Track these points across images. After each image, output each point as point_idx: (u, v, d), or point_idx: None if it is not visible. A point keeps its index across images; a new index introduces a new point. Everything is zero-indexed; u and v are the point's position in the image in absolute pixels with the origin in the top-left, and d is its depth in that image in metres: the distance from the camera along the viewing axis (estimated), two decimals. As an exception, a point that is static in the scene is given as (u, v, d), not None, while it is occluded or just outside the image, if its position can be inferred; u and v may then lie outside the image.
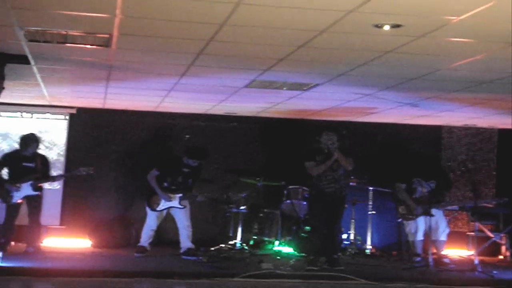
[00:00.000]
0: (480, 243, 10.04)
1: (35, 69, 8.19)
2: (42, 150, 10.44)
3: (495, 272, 9.16)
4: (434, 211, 9.71)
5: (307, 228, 10.34)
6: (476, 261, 9.17)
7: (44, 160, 10.09)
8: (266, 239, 10.96)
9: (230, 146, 12.14)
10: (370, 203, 11.36)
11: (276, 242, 10.73)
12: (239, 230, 10.89)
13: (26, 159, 9.85)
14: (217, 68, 7.82)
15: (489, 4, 4.88)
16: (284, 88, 9.01)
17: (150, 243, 10.07)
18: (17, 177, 9.75)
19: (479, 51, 6.44)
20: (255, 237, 11.00)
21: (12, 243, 10.04)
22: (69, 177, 10.57)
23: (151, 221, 10.04)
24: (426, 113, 10.93)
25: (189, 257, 9.73)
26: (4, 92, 8.02)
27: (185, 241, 9.90)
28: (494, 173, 12.70)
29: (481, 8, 4.97)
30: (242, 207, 11.02)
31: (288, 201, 11.02)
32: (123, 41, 6.58)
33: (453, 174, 12.28)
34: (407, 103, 9.91)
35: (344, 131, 10.82)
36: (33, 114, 11.66)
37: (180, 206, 9.91)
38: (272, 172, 11.32)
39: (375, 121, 12.16)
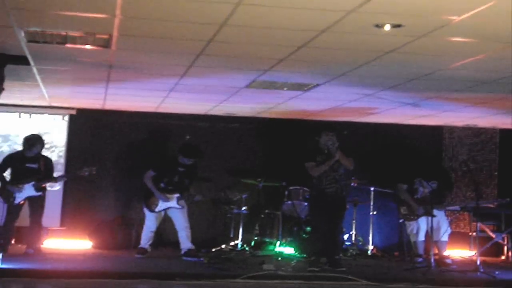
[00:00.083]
0: (482, 243, 10.01)
1: (35, 70, 8.17)
2: (42, 151, 10.40)
3: (497, 272, 9.14)
4: (435, 211, 9.69)
5: (308, 229, 10.32)
6: (478, 262, 9.15)
7: (47, 161, 10.08)
8: (267, 240, 10.94)
9: (230, 146, 12.12)
10: (372, 203, 11.35)
11: (277, 243, 10.70)
12: (240, 231, 10.88)
13: (29, 160, 9.84)
14: (217, 68, 7.80)
15: (490, 4, 4.86)
16: (285, 89, 8.99)
17: (151, 245, 10.06)
18: (20, 178, 9.74)
19: (480, 51, 6.42)
20: (256, 238, 10.98)
21: (12, 241, 10.00)
22: (72, 178, 10.52)
23: (150, 223, 10.03)
24: (427, 113, 10.91)
25: (189, 258, 9.71)
26: (3, 93, 8.00)
27: (185, 242, 9.88)
28: (496, 173, 12.68)
29: (482, 7, 4.95)
30: (243, 208, 11.01)
31: (289, 202, 11.00)
32: (123, 42, 6.56)
33: (455, 175, 12.27)
34: (408, 103, 9.89)
35: (345, 131, 10.83)
36: (33, 115, 11.63)
37: (178, 206, 9.90)
38: (273, 173, 11.29)
39: (376, 122, 12.14)
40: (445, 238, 10.09)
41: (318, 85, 8.64)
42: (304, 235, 10.52)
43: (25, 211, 9.90)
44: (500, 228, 11.25)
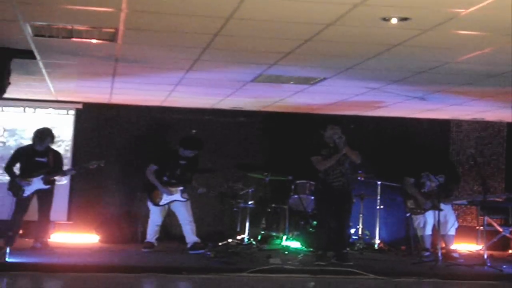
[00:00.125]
0: (489, 237, 9.99)
1: (41, 64, 8.18)
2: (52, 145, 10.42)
3: (504, 266, 9.13)
4: (442, 205, 9.67)
5: (315, 223, 10.31)
6: (485, 256, 9.13)
7: (56, 155, 10.12)
8: (274, 234, 10.94)
9: (236, 141, 12.11)
10: (378, 197, 11.33)
11: (284, 237, 10.71)
12: (247, 225, 10.87)
13: (39, 154, 9.87)
14: (224, 62, 7.79)
15: (498, -4, 4.84)
16: (291, 82, 8.97)
17: (157, 239, 10.06)
18: (29, 172, 9.78)
19: (487, 44, 6.39)
20: (263, 232, 10.98)
21: (20, 231, 10.03)
22: (80, 170, 10.51)
23: (155, 217, 10.04)
24: (434, 107, 10.88)
25: (196, 251, 9.72)
26: (10, 87, 8.02)
27: (190, 236, 9.89)
28: (503, 167, 12.64)
29: (489, 0, 4.93)
30: (249, 202, 11.00)
31: (295, 196, 10.99)
32: (129, 36, 6.55)
33: (462, 168, 12.23)
34: (415, 96, 9.86)
35: (352, 125, 10.81)
36: (39, 109, 11.64)
37: (182, 199, 9.90)
38: (279, 167, 11.29)
39: (383, 115, 12.11)
40: (452, 232, 10.07)
41: (324, 79, 8.62)
42: (310, 229, 10.52)
43: (33, 205, 9.94)
44: (507, 222, 11.21)
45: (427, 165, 10.18)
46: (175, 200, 9.95)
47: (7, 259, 8.12)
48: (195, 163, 10.17)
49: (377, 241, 11.14)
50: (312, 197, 10.68)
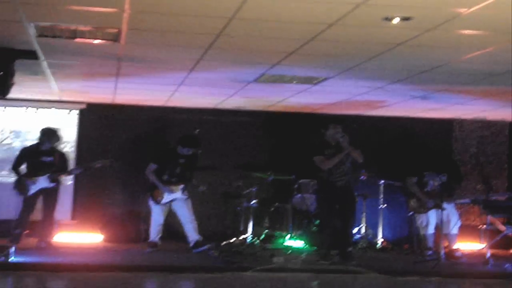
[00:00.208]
0: (492, 236, 10.00)
1: (45, 64, 8.21)
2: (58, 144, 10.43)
3: (507, 265, 9.14)
4: (445, 204, 9.66)
5: (318, 222, 10.33)
6: (488, 255, 9.14)
7: (62, 154, 10.16)
8: (277, 233, 10.95)
9: (239, 140, 12.14)
10: (381, 197, 11.34)
11: (287, 236, 10.72)
12: (250, 224, 10.89)
13: (45, 153, 9.91)
14: (226, 62, 7.81)
15: (500, -4, 4.85)
16: (294, 82, 8.99)
17: (160, 238, 10.08)
18: (35, 172, 9.81)
19: (489, 43, 6.40)
20: (266, 231, 11.01)
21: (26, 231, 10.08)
22: (87, 172, 10.51)
23: (157, 216, 10.05)
24: (437, 106, 10.89)
25: (199, 249, 9.74)
26: (14, 87, 8.03)
27: (192, 235, 9.91)
28: (506, 166, 12.65)
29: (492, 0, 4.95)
30: (252, 202, 11.02)
31: (298, 195, 11.01)
32: (132, 36, 6.58)
33: (464, 167, 12.24)
34: (417, 96, 9.87)
35: (354, 124, 10.82)
36: (43, 110, 11.67)
37: (183, 197, 9.92)
38: (282, 166, 11.31)
39: (385, 115, 12.12)
40: (455, 231, 10.08)
41: (327, 78, 8.64)
42: (314, 228, 10.53)
43: (38, 205, 9.96)
44: (510, 221, 11.16)
45: (429, 164, 10.18)
46: (176, 199, 9.97)
47: (11, 259, 8.15)
48: (194, 161, 10.18)
49: (380, 240, 11.16)
50: (315, 196, 10.70)
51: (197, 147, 10.14)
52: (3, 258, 8.02)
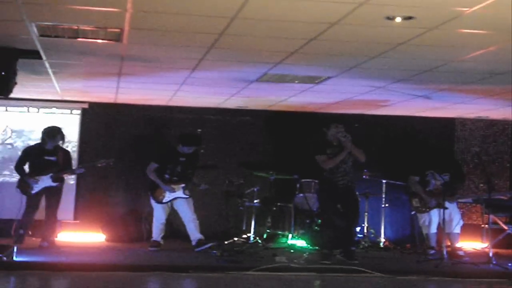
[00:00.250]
0: (494, 235, 9.98)
1: (47, 64, 8.21)
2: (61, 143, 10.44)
3: (510, 264, 9.13)
4: (447, 203, 9.67)
5: (320, 221, 10.33)
6: (491, 254, 9.13)
7: (65, 153, 10.18)
8: (279, 232, 10.95)
9: (241, 140, 12.15)
10: (383, 196, 11.35)
11: (290, 236, 10.72)
12: (252, 224, 10.90)
13: (48, 152, 9.92)
14: (229, 61, 7.81)
15: (502, -5, 4.85)
16: (296, 82, 8.99)
17: (163, 237, 10.09)
18: (39, 170, 9.82)
19: (491, 43, 6.40)
20: (269, 231, 11.00)
21: (30, 236, 10.08)
22: (89, 169, 10.52)
23: (159, 215, 10.07)
24: (439, 105, 10.88)
25: (201, 248, 9.75)
26: (16, 87, 8.04)
27: (194, 234, 9.92)
28: (508, 165, 12.64)
29: (494, -2, 4.94)
30: (255, 201, 11.02)
31: (301, 194, 11.01)
32: (134, 35, 6.58)
33: (467, 167, 12.24)
34: (419, 95, 9.87)
35: (356, 124, 10.82)
36: (45, 109, 11.68)
37: (185, 196, 9.93)
38: (284, 166, 11.31)
39: (387, 114, 12.12)
40: (457, 230, 10.07)
41: (329, 77, 8.64)
42: (316, 228, 10.53)
43: (41, 205, 9.97)
44: (512, 220, 11.22)
45: (432, 164, 10.18)
46: (178, 197, 9.98)
47: (14, 258, 8.16)
48: (195, 159, 10.19)
49: (382, 239, 11.16)
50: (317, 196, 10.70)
51: (197, 145, 10.15)
52: (5, 258, 8.03)
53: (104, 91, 10.48)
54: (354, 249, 9.35)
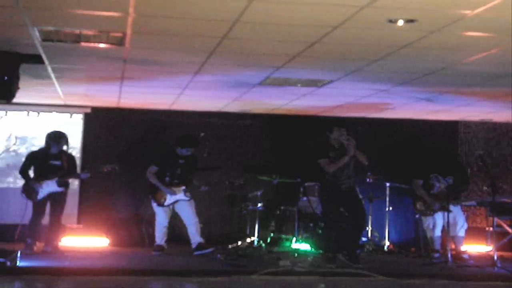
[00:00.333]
0: (499, 238, 9.94)
1: (49, 68, 8.23)
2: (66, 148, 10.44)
3: (514, 267, 9.10)
4: (452, 207, 9.64)
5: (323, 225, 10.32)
6: (495, 257, 9.10)
7: (70, 158, 10.15)
8: (283, 236, 10.93)
9: (244, 143, 12.15)
10: (387, 199, 11.32)
11: (293, 240, 10.71)
12: (256, 227, 10.89)
13: (53, 157, 9.90)
14: (231, 65, 7.81)
15: (504, -3, 4.84)
16: (298, 85, 8.99)
17: (166, 241, 10.08)
18: (44, 175, 9.81)
19: (494, 45, 6.39)
20: (272, 235, 10.99)
21: (37, 243, 10.06)
22: (94, 173, 10.51)
23: (161, 218, 10.05)
24: (442, 108, 10.87)
25: (201, 252, 9.73)
26: (18, 92, 8.05)
27: (195, 237, 9.90)
28: (512, 167, 12.64)
29: (496, 1, 4.94)
30: (258, 205, 11.02)
31: (304, 198, 10.99)
32: (136, 40, 6.59)
33: (470, 169, 12.23)
34: (422, 98, 9.86)
35: (359, 127, 10.81)
36: (48, 114, 11.68)
37: (186, 198, 9.91)
38: (288, 169, 11.30)
39: (390, 117, 12.11)
40: (461, 233, 10.04)
41: (332, 81, 8.64)
42: (320, 231, 10.50)
43: (48, 209, 9.97)
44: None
45: (435, 167, 10.16)
46: (179, 200, 9.97)
47: (18, 263, 8.15)
48: (194, 161, 10.18)
49: (387, 242, 11.13)
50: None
51: (195, 147, 10.13)
52: (9, 263, 8.02)
53: (107, 96, 10.49)
54: (360, 252, 9.33)
